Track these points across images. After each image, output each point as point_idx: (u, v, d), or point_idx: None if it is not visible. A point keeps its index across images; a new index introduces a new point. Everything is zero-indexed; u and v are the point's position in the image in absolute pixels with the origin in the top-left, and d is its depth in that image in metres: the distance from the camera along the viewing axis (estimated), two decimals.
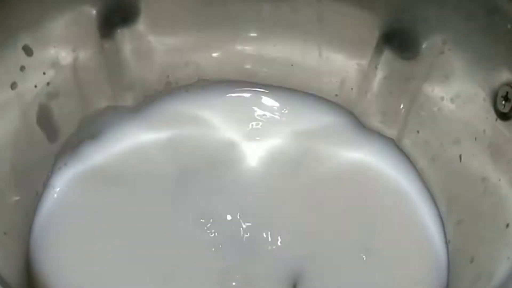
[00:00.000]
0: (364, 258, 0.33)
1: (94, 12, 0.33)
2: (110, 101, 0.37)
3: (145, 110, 0.37)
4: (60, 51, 0.33)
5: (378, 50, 0.35)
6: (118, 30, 0.35)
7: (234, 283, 0.33)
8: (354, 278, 0.32)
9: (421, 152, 0.36)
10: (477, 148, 0.32)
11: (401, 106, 0.36)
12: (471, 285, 0.29)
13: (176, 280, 0.33)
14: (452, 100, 0.33)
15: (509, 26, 0.28)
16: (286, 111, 0.39)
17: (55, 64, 0.33)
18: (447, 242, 0.34)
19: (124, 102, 0.37)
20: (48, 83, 0.33)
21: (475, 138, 0.32)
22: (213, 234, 0.34)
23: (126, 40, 0.35)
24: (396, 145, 0.37)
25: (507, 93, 0.29)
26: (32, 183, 0.34)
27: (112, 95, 0.37)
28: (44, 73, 0.32)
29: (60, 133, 0.35)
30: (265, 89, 0.39)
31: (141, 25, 0.35)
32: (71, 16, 0.32)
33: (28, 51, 0.31)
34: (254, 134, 0.38)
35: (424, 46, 0.33)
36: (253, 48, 0.38)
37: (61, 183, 0.35)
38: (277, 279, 0.33)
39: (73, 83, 0.34)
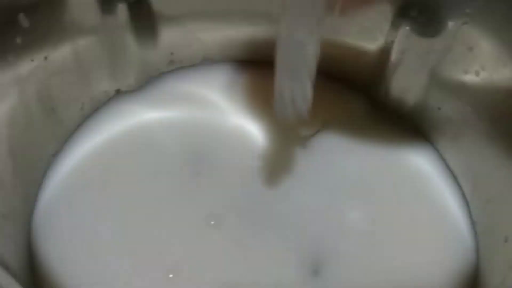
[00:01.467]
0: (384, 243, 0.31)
1: None
2: (112, 80, 0.35)
3: (149, 89, 0.36)
4: (57, 26, 0.30)
5: (395, 24, 0.33)
6: (120, 5, 0.33)
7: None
8: (375, 265, 0.31)
9: (441, 130, 0.34)
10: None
11: (421, 81, 0.34)
12: (509, 264, 0.27)
13: (185, 272, 0.31)
14: (476, 73, 0.31)
15: None
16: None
17: (51, 38, 0.31)
18: (473, 223, 0.32)
19: (127, 81, 0.36)
20: (45, 57, 0.30)
21: None
22: (228, 221, 0.32)
23: (128, 17, 0.33)
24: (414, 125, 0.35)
25: None
26: (32, 166, 0.32)
27: (114, 73, 0.35)
28: (41, 47, 0.30)
29: (60, 112, 0.33)
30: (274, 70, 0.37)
31: (144, 1, 0.33)
32: None
33: (24, 22, 0.29)
34: (262, 115, 0.36)
35: (445, 19, 0.31)
36: (262, 28, 0.36)
37: (64, 167, 0.33)
38: (297, 265, 0.31)
39: (72, 60, 0.32)
